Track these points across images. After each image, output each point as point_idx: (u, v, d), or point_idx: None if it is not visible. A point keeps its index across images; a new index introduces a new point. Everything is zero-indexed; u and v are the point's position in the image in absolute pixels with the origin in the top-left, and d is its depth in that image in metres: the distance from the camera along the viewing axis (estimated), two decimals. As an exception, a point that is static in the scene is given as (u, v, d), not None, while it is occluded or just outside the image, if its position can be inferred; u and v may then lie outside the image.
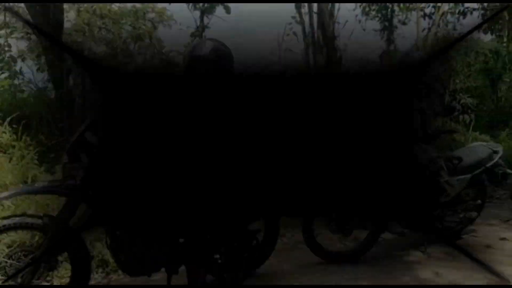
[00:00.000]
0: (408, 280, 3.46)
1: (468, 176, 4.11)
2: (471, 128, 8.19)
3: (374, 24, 10.87)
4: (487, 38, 10.80)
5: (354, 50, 8.27)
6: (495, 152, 4.27)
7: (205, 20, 7.09)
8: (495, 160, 4.22)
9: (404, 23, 10.69)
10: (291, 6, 8.38)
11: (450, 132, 5.43)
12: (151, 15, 13.15)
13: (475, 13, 10.21)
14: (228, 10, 6.80)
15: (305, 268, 3.71)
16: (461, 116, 8.59)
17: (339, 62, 8.05)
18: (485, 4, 10.22)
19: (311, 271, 3.65)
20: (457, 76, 8.95)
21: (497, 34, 10.53)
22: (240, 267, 2.74)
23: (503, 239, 4.40)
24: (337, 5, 8.01)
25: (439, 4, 9.94)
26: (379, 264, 3.76)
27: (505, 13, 9.84)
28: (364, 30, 10.91)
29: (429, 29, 10.05)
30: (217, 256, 2.85)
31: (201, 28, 6.90)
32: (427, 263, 3.78)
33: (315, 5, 7.90)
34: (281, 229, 4.40)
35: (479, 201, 4.33)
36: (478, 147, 4.37)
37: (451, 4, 10.18)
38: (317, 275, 3.54)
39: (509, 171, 4.77)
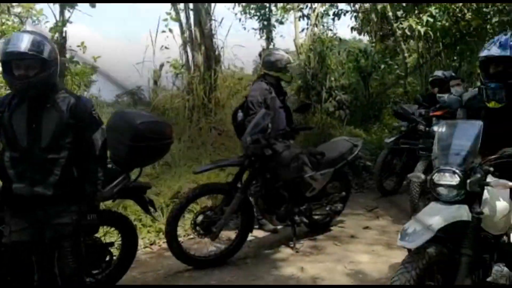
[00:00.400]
0: (273, 279, 3.44)
1: (331, 170, 4.21)
2: (345, 122, 8.63)
3: (254, 23, 11.05)
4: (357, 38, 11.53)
5: (235, 48, 8.22)
6: (355, 146, 4.45)
7: (68, 14, 6.48)
8: (355, 154, 4.40)
9: (281, 23, 10.99)
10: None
11: (309, 128, 5.66)
12: (17, 9, 11.92)
13: (348, 15, 10.80)
14: (92, 5, 6.32)
15: (170, 277, 3.51)
16: (337, 112, 9.03)
17: (218, 59, 7.94)
18: (357, 6, 10.87)
19: (176, 279, 3.46)
20: (333, 74, 9.36)
21: (370, 35, 11.23)
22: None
23: (366, 227, 4.62)
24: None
25: (314, 5, 10.32)
26: (247, 265, 3.70)
27: (373, 15, 10.55)
28: (244, 28, 11.06)
29: (307, 29, 10.40)
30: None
31: (61, 23, 6.31)
32: (294, 259, 3.80)
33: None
34: (147, 238, 4.17)
35: (343, 193, 4.48)
36: (340, 142, 4.52)
37: (326, 6, 10.64)
38: (181, 283, 3.36)
39: (368, 163, 5.06)
